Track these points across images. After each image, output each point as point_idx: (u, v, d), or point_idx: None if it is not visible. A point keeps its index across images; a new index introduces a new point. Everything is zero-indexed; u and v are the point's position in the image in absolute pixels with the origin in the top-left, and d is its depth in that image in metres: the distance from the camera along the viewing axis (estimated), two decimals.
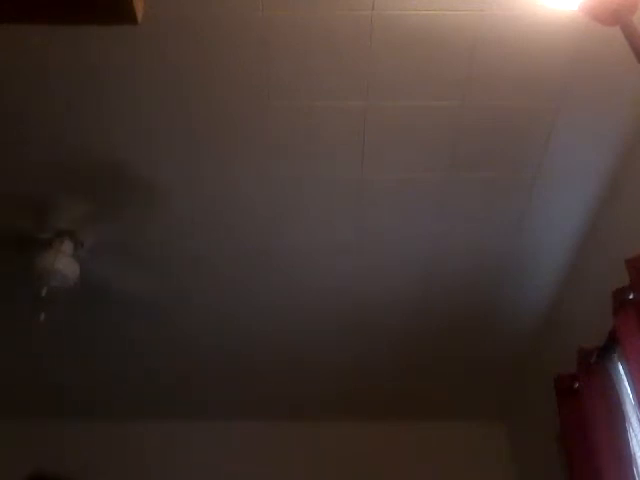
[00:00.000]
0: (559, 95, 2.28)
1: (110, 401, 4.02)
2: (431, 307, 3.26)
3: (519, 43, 2.10)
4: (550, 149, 2.47)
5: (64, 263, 2.71)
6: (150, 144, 2.49)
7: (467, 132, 2.41)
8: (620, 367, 2.54)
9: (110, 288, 3.12)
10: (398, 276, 3.09)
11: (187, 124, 2.40)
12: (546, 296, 3.17)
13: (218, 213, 2.78)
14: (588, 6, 1.55)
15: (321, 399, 3.94)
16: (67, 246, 2.77)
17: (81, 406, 4.05)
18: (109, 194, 2.71)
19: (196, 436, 4.02)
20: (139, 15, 1.41)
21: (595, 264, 2.79)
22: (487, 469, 3.90)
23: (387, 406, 4.01)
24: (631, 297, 2.28)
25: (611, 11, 1.50)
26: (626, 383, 2.48)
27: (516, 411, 3.93)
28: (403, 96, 2.28)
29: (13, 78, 2.23)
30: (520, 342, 3.50)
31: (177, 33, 2.09)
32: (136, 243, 2.93)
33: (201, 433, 4.02)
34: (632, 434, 2.38)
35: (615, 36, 1.59)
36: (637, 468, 2.33)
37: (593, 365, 2.62)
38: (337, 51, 2.14)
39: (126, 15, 1.38)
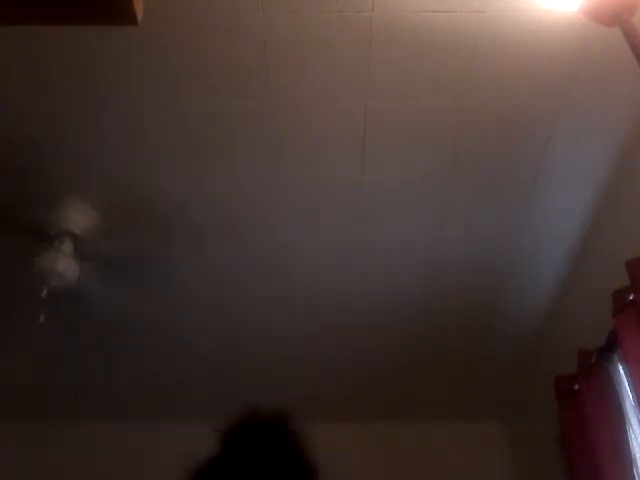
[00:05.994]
0: (559, 95, 2.28)
1: (110, 401, 4.02)
2: (431, 307, 3.26)
3: (519, 44, 2.10)
4: (550, 149, 2.46)
5: (64, 264, 2.71)
6: (150, 144, 2.48)
7: (467, 132, 2.41)
8: (620, 368, 2.54)
9: (110, 288, 3.12)
10: (398, 276, 3.09)
11: (186, 124, 2.40)
12: (546, 296, 3.17)
13: (218, 213, 2.78)
14: (588, 7, 1.55)
15: (321, 399, 3.93)
16: (67, 247, 2.77)
17: (81, 406, 4.05)
18: (109, 194, 2.71)
19: (196, 436, 4.02)
20: (139, 15, 1.41)
21: (595, 265, 2.78)
22: (487, 469, 3.90)
23: (387, 406, 4.01)
24: (631, 298, 2.28)
25: (611, 12, 1.50)
26: (626, 384, 2.48)
27: (516, 411, 3.92)
28: (403, 97, 2.28)
29: (13, 78, 2.23)
30: (520, 342, 3.50)
31: (177, 33, 2.09)
32: (135, 243, 2.93)
33: (201, 433, 4.01)
34: (632, 435, 2.38)
35: (615, 37, 1.59)
36: (637, 469, 2.33)
37: (593, 366, 2.62)
38: (337, 52, 2.14)
39: (126, 15, 1.38)
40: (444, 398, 3.94)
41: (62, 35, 2.07)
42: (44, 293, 2.69)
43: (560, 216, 2.75)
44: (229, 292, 3.22)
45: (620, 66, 2.06)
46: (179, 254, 2.99)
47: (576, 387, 2.76)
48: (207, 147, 2.49)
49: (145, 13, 1.43)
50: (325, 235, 2.88)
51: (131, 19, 1.38)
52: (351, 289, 3.17)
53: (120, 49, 2.13)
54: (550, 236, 2.84)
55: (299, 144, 2.47)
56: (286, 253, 2.98)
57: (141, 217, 2.81)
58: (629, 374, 2.35)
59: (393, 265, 3.03)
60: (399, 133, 2.41)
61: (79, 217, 2.77)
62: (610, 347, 2.56)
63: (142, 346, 3.59)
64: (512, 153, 2.50)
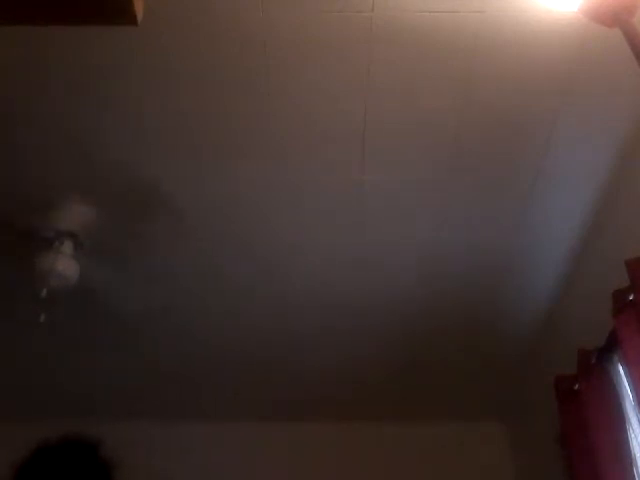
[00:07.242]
0: (559, 95, 2.28)
1: (110, 401, 4.02)
2: (431, 307, 3.26)
3: (519, 44, 2.10)
4: (550, 149, 2.46)
5: (64, 264, 2.71)
6: (150, 144, 2.48)
7: (467, 132, 2.41)
8: (620, 368, 2.54)
9: (110, 288, 3.12)
10: (398, 276, 3.09)
11: (186, 124, 2.40)
12: (546, 296, 3.17)
13: (219, 213, 2.78)
14: (588, 7, 1.54)
15: (321, 399, 3.94)
16: (67, 247, 2.77)
17: (81, 406, 4.05)
18: (110, 194, 2.71)
19: (195, 437, 4.02)
20: (139, 15, 1.41)
21: (595, 265, 2.78)
22: (487, 469, 3.90)
23: (387, 406, 4.01)
24: (631, 298, 2.28)
25: (611, 12, 1.50)
26: (626, 384, 2.48)
27: (516, 411, 3.93)
28: (403, 97, 2.28)
29: (13, 78, 2.23)
30: (520, 342, 3.50)
31: (177, 33, 2.09)
32: (137, 243, 2.93)
33: (201, 434, 4.02)
34: (632, 435, 2.38)
35: (615, 37, 1.59)
36: (637, 469, 2.33)
37: (593, 366, 2.62)
38: (337, 52, 2.14)
39: (126, 15, 1.38)
40: (444, 398, 3.95)
41: (62, 35, 2.07)
42: (44, 293, 2.69)
43: (560, 216, 2.75)
44: (228, 292, 3.22)
45: (620, 66, 2.06)
46: (179, 254, 2.99)
47: (576, 387, 2.76)
48: (207, 147, 2.49)
49: (145, 13, 1.43)
50: (325, 235, 2.88)
51: (131, 19, 1.38)
52: (351, 289, 3.17)
53: (120, 49, 2.13)
54: (550, 236, 2.84)
55: (299, 144, 2.47)
56: (286, 253, 2.98)
57: (141, 218, 2.81)
58: (629, 374, 2.35)
59: (393, 265, 3.03)
60: (399, 133, 2.41)
61: (79, 217, 2.77)
62: (610, 347, 2.56)
63: (142, 346, 3.60)
64: (512, 153, 2.50)
